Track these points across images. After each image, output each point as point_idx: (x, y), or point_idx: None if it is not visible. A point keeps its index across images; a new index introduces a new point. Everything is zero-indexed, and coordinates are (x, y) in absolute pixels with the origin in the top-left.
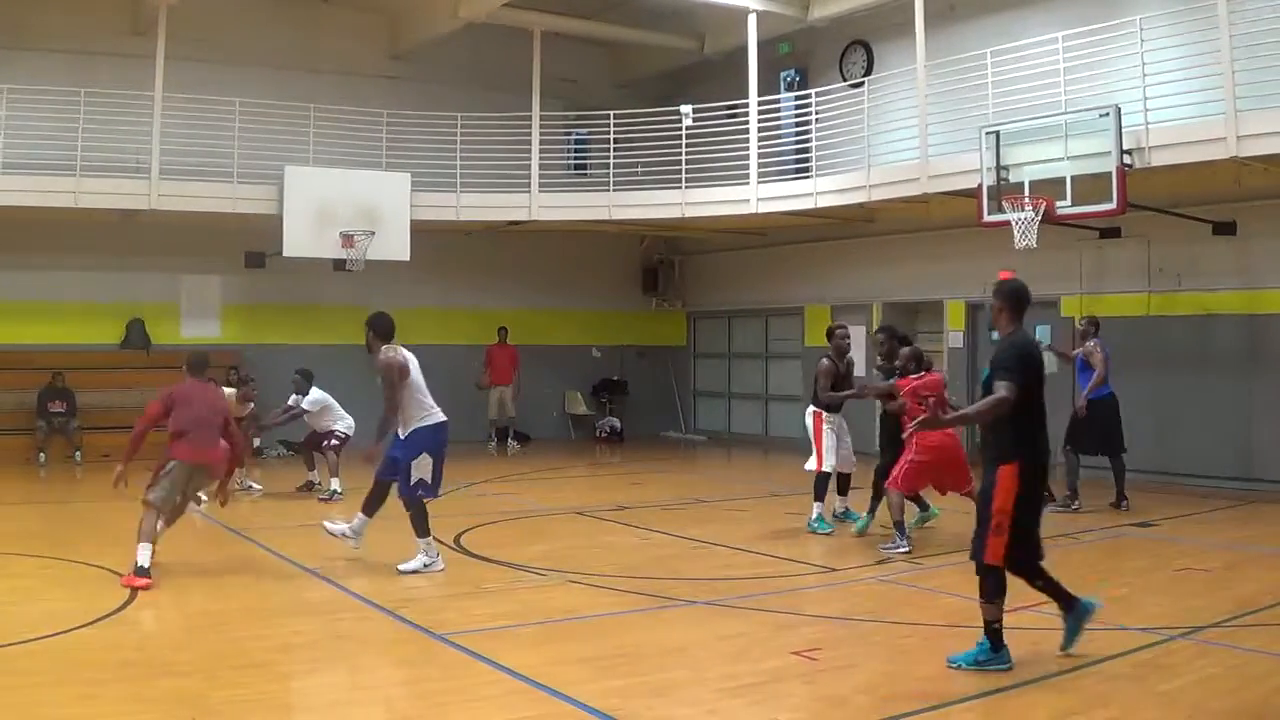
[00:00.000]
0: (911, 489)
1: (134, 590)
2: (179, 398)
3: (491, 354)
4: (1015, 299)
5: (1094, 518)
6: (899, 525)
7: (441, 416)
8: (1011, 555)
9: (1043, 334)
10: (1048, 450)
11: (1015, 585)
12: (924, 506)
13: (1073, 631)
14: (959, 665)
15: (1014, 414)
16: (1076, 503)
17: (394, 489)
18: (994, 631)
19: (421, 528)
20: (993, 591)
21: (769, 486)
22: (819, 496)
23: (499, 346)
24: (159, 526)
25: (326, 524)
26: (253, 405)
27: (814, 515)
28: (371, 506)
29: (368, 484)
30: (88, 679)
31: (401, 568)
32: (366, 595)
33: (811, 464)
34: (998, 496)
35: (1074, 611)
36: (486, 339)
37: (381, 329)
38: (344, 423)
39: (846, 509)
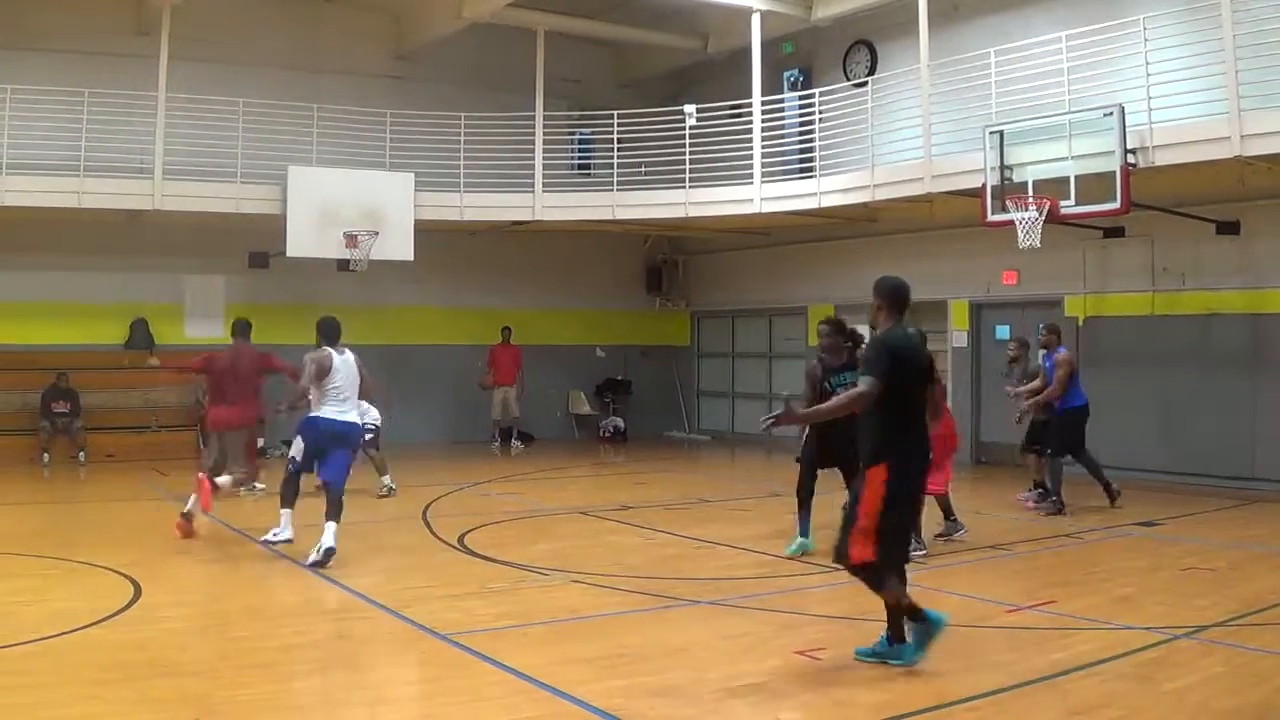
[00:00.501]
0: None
1: (137, 593)
2: (220, 362)
3: (495, 354)
4: (892, 296)
5: (1098, 518)
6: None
7: (340, 418)
8: (880, 557)
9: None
10: (923, 452)
11: (1015, 586)
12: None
13: (920, 644)
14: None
15: (882, 413)
16: (1060, 507)
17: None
18: (894, 615)
19: (283, 498)
20: (877, 583)
21: (772, 486)
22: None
23: (502, 346)
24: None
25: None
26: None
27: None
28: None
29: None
30: (92, 679)
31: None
32: (370, 595)
33: None
34: (865, 499)
35: (925, 624)
36: (490, 339)
37: (321, 331)
38: (370, 414)
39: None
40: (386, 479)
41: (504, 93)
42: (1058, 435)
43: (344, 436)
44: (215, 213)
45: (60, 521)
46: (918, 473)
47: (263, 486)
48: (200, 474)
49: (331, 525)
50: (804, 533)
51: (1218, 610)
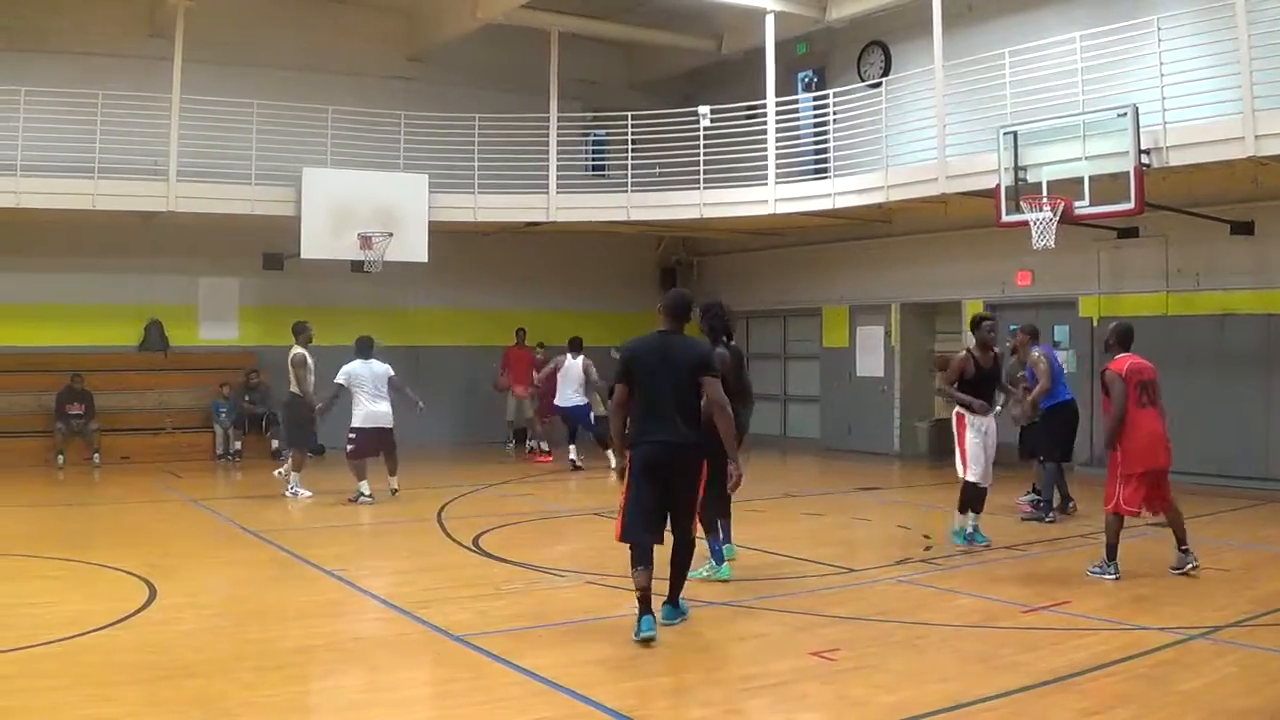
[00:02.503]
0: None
1: (152, 595)
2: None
3: (509, 356)
4: (668, 306)
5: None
6: (1111, 549)
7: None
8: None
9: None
10: (650, 437)
11: (1030, 587)
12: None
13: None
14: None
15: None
16: (1051, 514)
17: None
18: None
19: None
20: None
21: (786, 487)
22: (961, 507)
23: (517, 348)
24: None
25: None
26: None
27: (955, 525)
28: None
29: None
30: (106, 681)
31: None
32: (385, 597)
33: (960, 469)
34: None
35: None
36: (504, 340)
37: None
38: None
39: (975, 528)
40: (394, 480)
41: (518, 94)
42: (1045, 438)
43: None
44: (229, 214)
45: (75, 523)
46: (651, 458)
47: (309, 493)
48: None
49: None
50: None
51: (1232, 611)
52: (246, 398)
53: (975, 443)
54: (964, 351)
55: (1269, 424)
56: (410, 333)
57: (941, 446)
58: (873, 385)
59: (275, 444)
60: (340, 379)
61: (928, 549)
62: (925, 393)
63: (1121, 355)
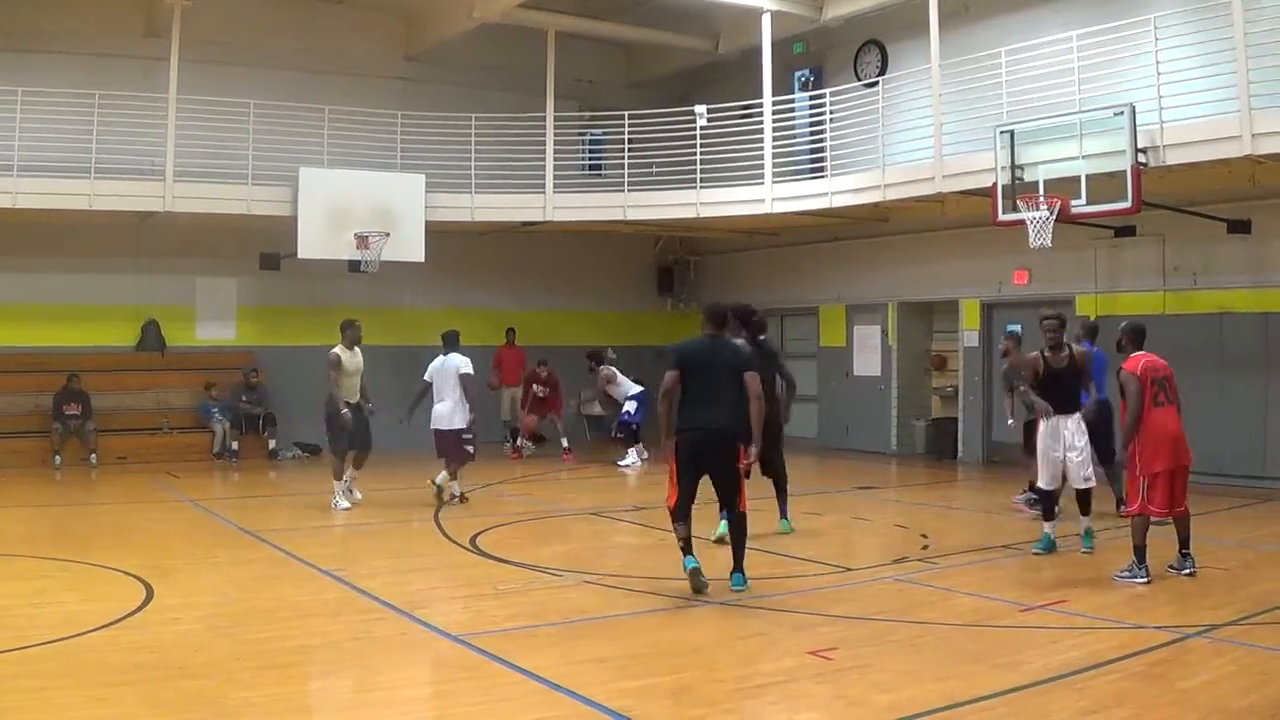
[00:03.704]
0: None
1: (150, 595)
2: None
3: (501, 355)
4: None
5: (1110, 518)
6: (1139, 551)
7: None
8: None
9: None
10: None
11: (1028, 586)
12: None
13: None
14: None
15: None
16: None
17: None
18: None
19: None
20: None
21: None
22: (1042, 513)
23: (508, 347)
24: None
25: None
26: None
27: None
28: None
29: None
30: (104, 681)
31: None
32: (383, 597)
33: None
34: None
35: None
36: (501, 340)
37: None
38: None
39: (1087, 529)
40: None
41: (515, 93)
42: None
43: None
44: (226, 214)
45: (72, 523)
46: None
47: (354, 500)
48: None
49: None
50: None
51: (1230, 609)
52: (244, 398)
53: (1041, 446)
54: (1036, 351)
55: (1266, 423)
56: (407, 333)
57: (940, 445)
58: (870, 384)
59: (272, 444)
60: (426, 375)
61: (925, 548)
62: (923, 391)
63: (1135, 354)
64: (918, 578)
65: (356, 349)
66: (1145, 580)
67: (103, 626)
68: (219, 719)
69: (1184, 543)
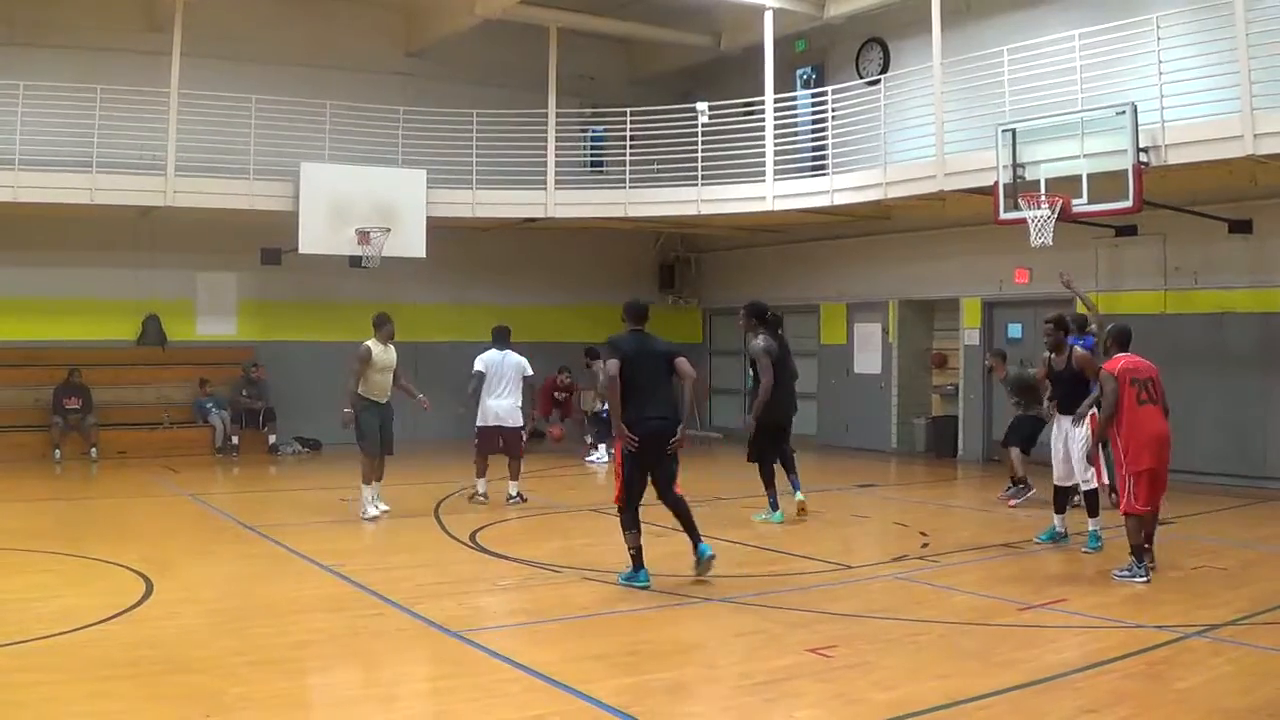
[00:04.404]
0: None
1: (150, 590)
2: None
3: None
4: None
5: (1109, 517)
6: (1136, 550)
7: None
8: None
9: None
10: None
11: (1027, 585)
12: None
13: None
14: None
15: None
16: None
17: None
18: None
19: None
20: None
21: (783, 483)
22: (1054, 506)
23: None
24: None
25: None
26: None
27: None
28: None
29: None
30: (103, 676)
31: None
32: (383, 592)
33: None
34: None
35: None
36: None
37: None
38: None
39: (1093, 530)
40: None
41: (516, 90)
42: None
43: None
44: (227, 209)
45: (72, 518)
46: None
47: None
48: None
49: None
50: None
51: (1229, 609)
52: (244, 392)
53: (1052, 444)
54: (1046, 354)
55: (1266, 422)
56: (408, 329)
57: (940, 444)
58: (870, 382)
59: (272, 439)
60: (479, 367)
61: (925, 546)
62: (923, 390)
63: (1117, 355)
64: (917, 576)
65: (390, 345)
66: (1145, 580)
67: (102, 621)
68: (218, 714)
69: (1148, 538)
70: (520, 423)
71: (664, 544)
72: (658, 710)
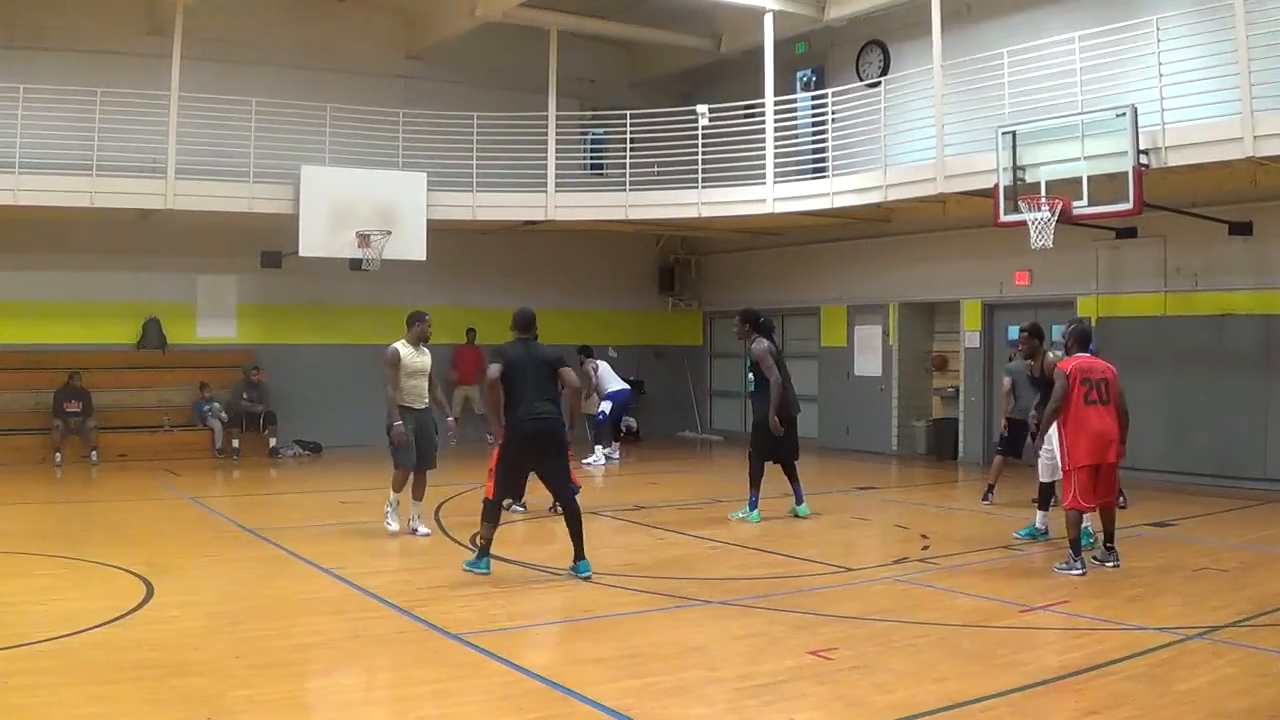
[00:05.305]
0: (1081, 504)
1: (150, 593)
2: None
3: (460, 354)
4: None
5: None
6: (1074, 544)
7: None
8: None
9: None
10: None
11: (1028, 587)
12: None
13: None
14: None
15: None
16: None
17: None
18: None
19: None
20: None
21: (784, 486)
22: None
23: (468, 347)
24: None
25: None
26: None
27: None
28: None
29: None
30: (103, 679)
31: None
32: (383, 595)
33: None
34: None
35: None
36: (502, 339)
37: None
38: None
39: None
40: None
41: (517, 92)
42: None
43: None
44: (228, 212)
45: (72, 521)
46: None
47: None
48: None
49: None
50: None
51: (1230, 611)
52: (245, 396)
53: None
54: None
55: (1267, 424)
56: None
57: (940, 446)
58: (871, 385)
59: (273, 442)
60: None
61: (926, 548)
62: (923, 392)
63: (1075, 355)
64: (918, 578)
65: (424, 347)
66: (1081, 572)
67: (103, 624)
68: (219, 716)
69: (1108, 536)
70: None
71: (665, 548)
72: (659, 712)
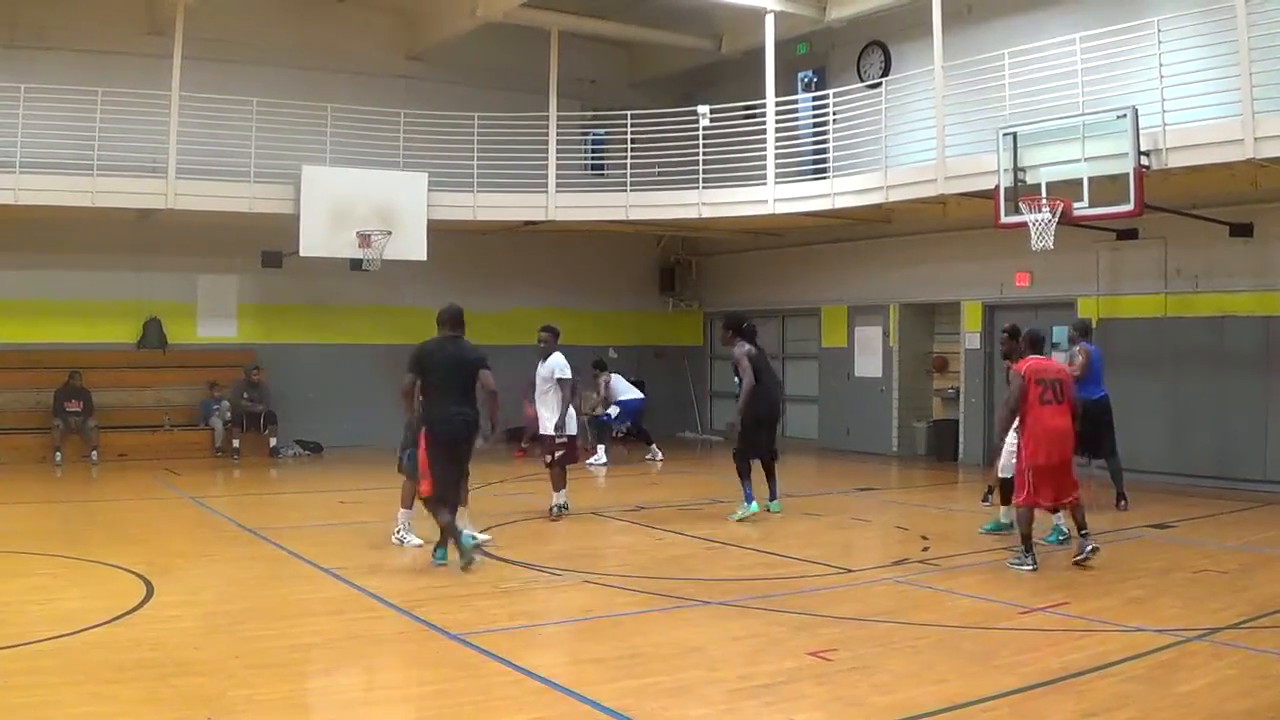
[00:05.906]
0: (1036, 501)
1: (150, 592)
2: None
3: None
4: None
5: (1110, 519)
6: (1026, 540)
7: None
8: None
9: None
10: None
11: (1028, 588)
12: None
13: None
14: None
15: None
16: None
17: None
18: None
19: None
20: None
21: (784, 487)
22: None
23: None
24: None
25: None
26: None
27: None
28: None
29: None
30: (103, 678)
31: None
32: (383, 595)
33: None
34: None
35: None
36: (503, 339)
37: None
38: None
39: (1056, 525)
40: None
41: (517, 93)
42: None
43: None
44: (228, 212)
45: (73, 520)
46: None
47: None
48: None
49: None
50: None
51: (1230, 613)
52: (245, 395)
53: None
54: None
55: (1267, 426)
56: (409, 332)
57: (941, 447)
58: (871, 385)
59: (273, 442)
60: (568, 374)
61: (926, 549)
62: (924, 393)
63: (1030, 358)
64: (918, 579)
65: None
66: (1032, 568)
67: (103, 623)
68: (218, 716)
69: (1080, 525)
70: (571, 430)
71: (666, 548)
72: (658, 713)
